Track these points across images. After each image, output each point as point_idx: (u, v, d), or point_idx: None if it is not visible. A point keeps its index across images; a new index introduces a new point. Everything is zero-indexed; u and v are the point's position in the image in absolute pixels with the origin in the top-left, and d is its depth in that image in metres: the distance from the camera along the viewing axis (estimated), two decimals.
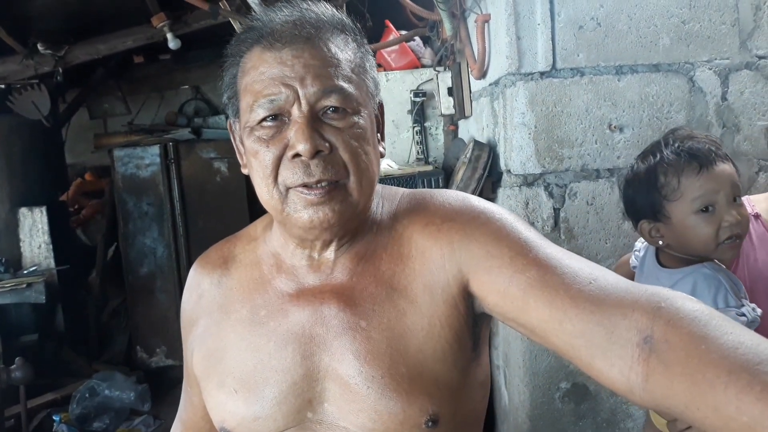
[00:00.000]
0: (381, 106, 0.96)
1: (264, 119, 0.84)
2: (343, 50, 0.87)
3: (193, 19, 3.85)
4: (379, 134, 0.94)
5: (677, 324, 0.69)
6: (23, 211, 4.43)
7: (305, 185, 0.83)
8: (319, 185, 0.83)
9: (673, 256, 1.44)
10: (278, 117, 0.84)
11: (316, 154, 0.82)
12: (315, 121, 0.83)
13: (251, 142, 0.86)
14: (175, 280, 4.85)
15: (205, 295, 1.00)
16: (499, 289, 0.82)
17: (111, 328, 5.21)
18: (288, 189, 0.84)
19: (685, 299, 0.72)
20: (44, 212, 4.42)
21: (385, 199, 0.97)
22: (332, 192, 0.84)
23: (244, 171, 0.94)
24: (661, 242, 1.43)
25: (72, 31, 3.94)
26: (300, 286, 0.92)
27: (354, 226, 0.90)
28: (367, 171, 0.87)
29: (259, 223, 1.04)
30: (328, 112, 0.84)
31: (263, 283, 0.95)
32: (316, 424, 0.88)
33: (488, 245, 0.85)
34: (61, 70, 3.87)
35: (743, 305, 1.29)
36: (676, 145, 1.39)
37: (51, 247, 4.41)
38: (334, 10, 0.91)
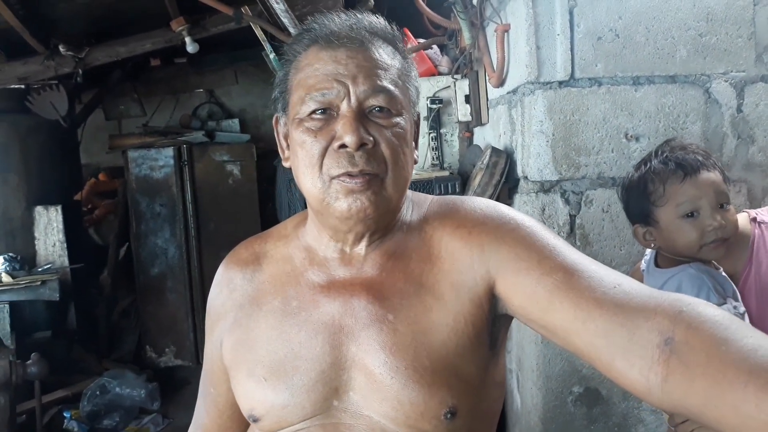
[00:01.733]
0: (418, 116, 1.01)
1: (314, 112, 0.90)
2: (392, 58, 0.94)
3: (212, 24, 3.91)
4: (414, 142, 0.99)
5: (699, 327, 0.72)
6: (39, 209, 4.47)
7: (348, 174, 0.87)
8: (360, 175, 0.87)
9: (667, 257, 1.53)
10: (327, 111, 0.90)
11: (360, 146, 0.87)
12: (362, 117, 0.89)
13: (299, 132, 0.91)
14: (185, 281, 4.89)
15: (237, 290, 1.03)
16: (525, 291, 0.86)
17: (121, 328, 5.25)
18: (331, 179, 0.89)
19: (706, 305, 0.75)
20: (59, 211, 4.47)
21: (415, 204, 1.01)
22: (371, 182, 0.88)
23: (286, 164, 0.99)
24: (653, 245, 1.54)
25: (93, 33, 4.00)
26: (331, 278, 0.96)
27: (386, 223, 0.95)
28: (404, 170, 0.92)
29: (289, 222, 1.08)
30: (374, 110, 0.90)
31: (295, 276, 0.99)
32: (341, 412, 0.91)
33: (517, 248, 0.89)
34: (81, 72, 3.92)
35: (725, 303, 1.34)
36: (665, 155, 1.49)
37: (65, 245, 4.45)
38: (386, 23, 0.98)
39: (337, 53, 0.90)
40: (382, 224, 0.94)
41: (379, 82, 0.89)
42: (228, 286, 1.05)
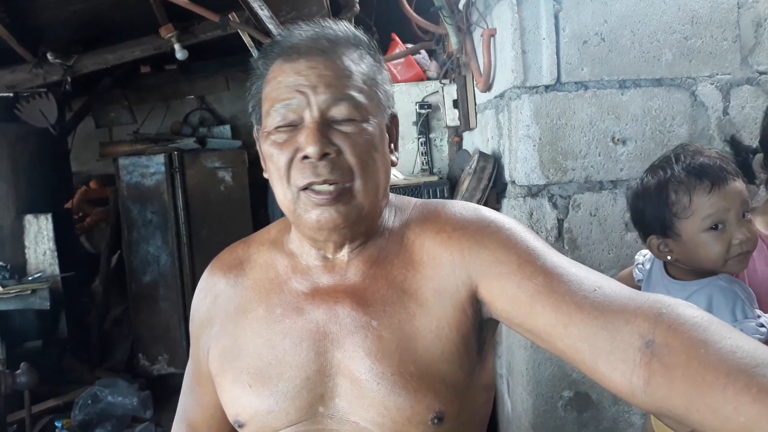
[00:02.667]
0: (395, 118, 1.00)
1: (280, 125, 0.90)
2: (357, 63, 0.93)
3: (201, 30, 3.91)
4: (392, 144, 0.99)
5: (678, 329, 0.72)
6: (29, 218, 4.45)
7: (313, 186, 0.88)
8: (326, 187, 0.88)
9: (683, 269, 1.44)
10: (292, 123, 0.89)
11: (324, 156, 0.87)
12: (325, 126, 0.88)
13: (267, 146, 0.92)
14: (178, 289, 4.86)
15: (221, 296, 1.04)
16: (507, 295, 0.86)
17: (113, 336, 5.21)
18: (299, 190, 0.89)
19: (685, 306, 0.76)
20: (49, 219, 4.44)
21: (397, 208, 1.01)
22: (339, 196, 0.88)
23: (266, 175, 0.99)
24: (669, 257, 1.43)
25: (81, 40, 3.99)
26: (315, 286, 0.97)
27: (363, 229, 0.95)
28: (374, 176, 0.91)
29: (273, 228, 1.08)
30: (339, 119, 0.89)
31: (279, 283, 0.99)
32: (327, 418, 0.91)
33: (498, 252, 0.89)
34: (69, 79, 3.91)
35: (760, 316, 1.30)
36: (687, 161, 1.38)
37: (56, 254, 4.42)
38: (352, 28, 0.97)
39: (297, 65, 0.90)
40: (358, 231, 0.94)
41: (340, 90, 0.89)
42: (212, 292, 1.05)
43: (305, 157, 0.87)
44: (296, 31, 0.95)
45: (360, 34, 0.97)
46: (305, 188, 0.89)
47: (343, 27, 0.96)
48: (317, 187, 0.88)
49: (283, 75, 0.90)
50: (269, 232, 1.07)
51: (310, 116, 0.88)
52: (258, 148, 1.01)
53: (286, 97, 0.89)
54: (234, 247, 1.08)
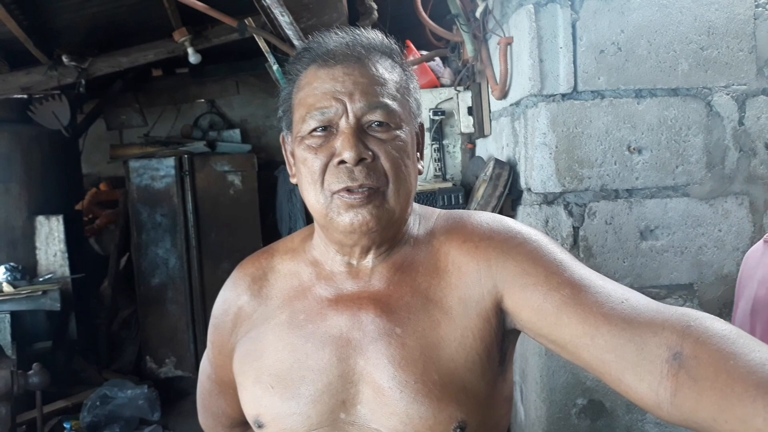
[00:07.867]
0: (422, 127, 1.02)
1: (314, 129, 0.91)
2: (390, 72, 0.95)
3: (214, 35, 3.94)
4: (418, 153, 1.00)
5: (706, 342, 0.73)
6: (40, 219, 4.48)
7: (348, 189, 0.89)
8: (360, 190, 0.89)
9: None
10: (327, 128, 0.91)
11: (360, 161, 0.89)
12: (360, 132, 0.90)
13: (301, 150, 0.93)
14: (186, 292, 4.88)
15: (245, 307, 1.04)
16: (533, 306, 0.87)
17: (121, 338, 5.23)
18: (332, 194, 0.90)
19: (713, 320, 0.76)
20: (61, 221, 4.48)
21: (422, 217, 1.02)
22: (371, 196, 0.89)
23: (293, 180, 1.01)
24: None
25: (96, 43, 4.02)
26: (339, 292, 0.97)
27: (391, 235, 0.96)
28: (405, 182, 0.93)
29: (296, 236, 1.09)
30: (373, 125, 0.91)
31: (303, 290, 1.00)
32: (348, 425, 0.91)
33: (524, 264, 0.90)
34: (84, 82, 3.93)
35: None
36: None
37: (66, 255, 4.46)
38: (384, 37, 0.99)
39: (334, 71, 0.91)
40: (387, 236, 0.95)
41: (376, 97, 0.90)
42: (236, 302, 1.06)
43: (341, 162, 0.89)
44: (330, 38, 0.96)
45: (391, 42, 0.99)
46: (338, 191, 0.90)
47: (375, 35, 0.98)
48: (351, 187, 0.89)
49: (319, 81, 0.92)
50: (292, 241, 1.08)
51: (346, 122, 0.90)
52: (284, 152, 1.03)
53: (323, 105, 0.90)
54: (257, 257, 1.09)
